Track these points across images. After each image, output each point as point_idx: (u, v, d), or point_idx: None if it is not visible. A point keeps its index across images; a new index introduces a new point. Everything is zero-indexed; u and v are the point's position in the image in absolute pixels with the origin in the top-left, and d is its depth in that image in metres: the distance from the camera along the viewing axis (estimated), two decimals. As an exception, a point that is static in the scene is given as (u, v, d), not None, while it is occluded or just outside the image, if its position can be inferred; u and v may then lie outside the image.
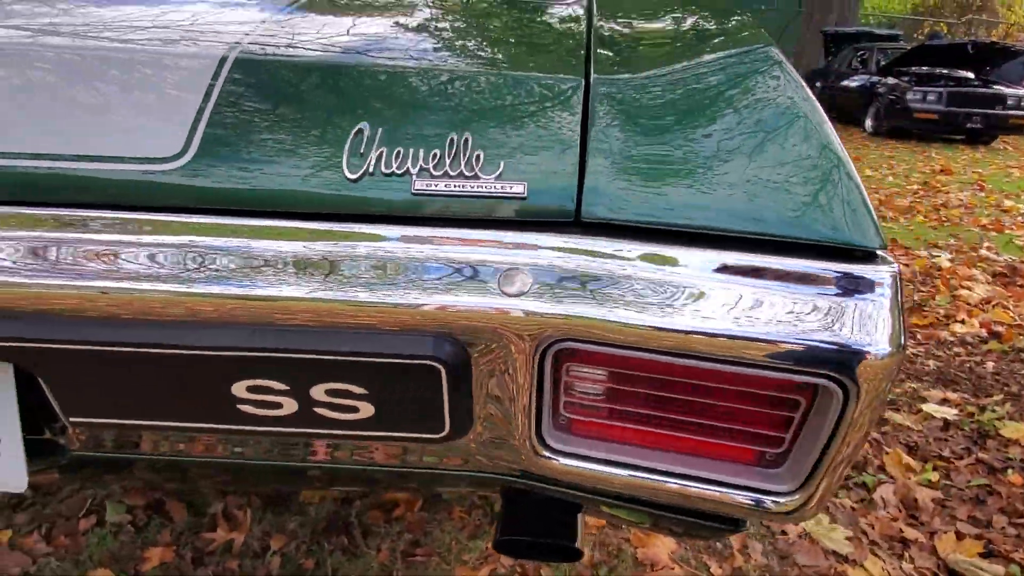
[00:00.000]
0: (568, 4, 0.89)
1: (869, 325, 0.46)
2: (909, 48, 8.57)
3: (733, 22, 0.67)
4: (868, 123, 8.39)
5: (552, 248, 0.51)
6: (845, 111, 9.01)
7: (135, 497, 1.35)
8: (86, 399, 0.58)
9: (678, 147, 0.53)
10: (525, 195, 0.52)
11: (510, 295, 0.50)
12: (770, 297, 0.48)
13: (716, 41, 0.64)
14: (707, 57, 0.61)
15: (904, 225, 3.88)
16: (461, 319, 0.51)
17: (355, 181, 0.52)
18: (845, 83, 9.22)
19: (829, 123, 0.54)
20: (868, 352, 0.46)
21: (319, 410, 0.56)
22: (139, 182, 0.53)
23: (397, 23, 0.68)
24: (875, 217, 0.49)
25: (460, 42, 0.65)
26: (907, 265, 3.10)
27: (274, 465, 0.65)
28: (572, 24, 0.74)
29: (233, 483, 0.96)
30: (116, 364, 0.54)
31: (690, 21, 0.70)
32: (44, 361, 0.55)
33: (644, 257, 0.50)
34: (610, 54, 0.64)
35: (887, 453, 1.64)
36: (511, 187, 0.52)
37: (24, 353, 0.55)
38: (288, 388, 0.55)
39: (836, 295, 0.47)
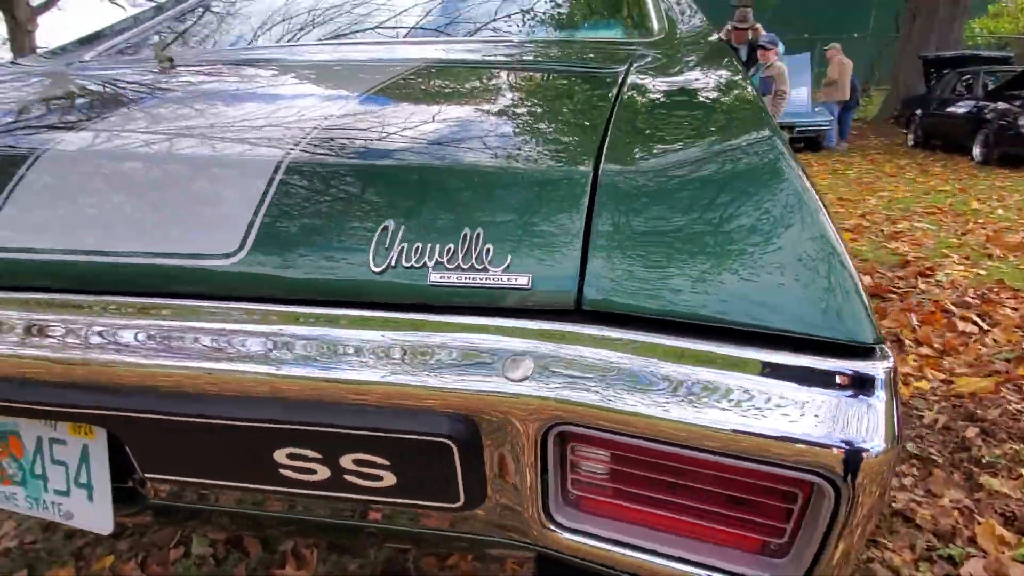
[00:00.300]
0: (602, 77, 0.94)
1: (858, 423, 0.46)
2: (1021, 70, 7.94)
3: (746, 110, 0.69)
4: (976, 151, 7.82)
5: (553, 336, 0.55)
6: (950, 139, 8.48)
7: (217, 532, 1.47)
8: (158, 459, 0.67)
9: (677, 240, 0.56)
10: (529, 286, 0.56)
11: (514, 380, 0.54)
12: (762, 391, 0.49)
13: (724, 133, 0.66)
14: (714, 148, 0.63)
15: (1014, 264, 3.57)
16: (470, 401, 0.55)
17: (379, 273, 0.59)
18: (950, 110, 8.69)
19: (825, 212, 0.55)
20: (855, 450, 0.46)
21: (348, 477, 0.62)
22: (202, 276, 0.62)
23: (427, 120, 0.75)
24: (870, 311, 0.50)
25: (482, 137, 0.71)
26: (1015, 310, 2.85)
27: (312, 520, 0.71)
28: (596, 106, 0.79)
29: (285, 532, 1.03)
30: (182, 432, 0.63)
31: (705, 107, 0.73)
32: (127, 428, 0.65)
33: (638, 347, 0.53)
34: (625, 142, 0.67)
35: (979, 523, 1.50)
36: (516, 279, 0.56)
37: (113, 420, 0.65)
38: (320, 456, 0.61)
39: (827, 391, 0.48)
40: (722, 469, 0.52)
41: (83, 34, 1.87)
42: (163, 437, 0.64)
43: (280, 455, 0.62)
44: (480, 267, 0.57)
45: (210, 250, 0.62)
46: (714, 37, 1.20)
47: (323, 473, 0.62)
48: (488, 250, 0.58)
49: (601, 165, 0.62)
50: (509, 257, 0.57)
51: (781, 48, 5.42)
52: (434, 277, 0.58)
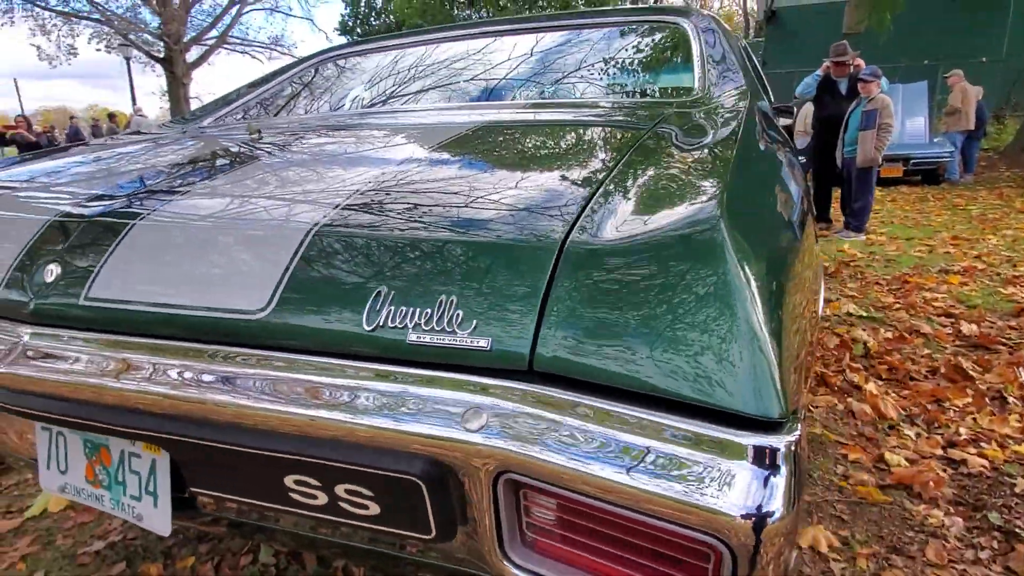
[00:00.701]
0: (615, 142, 1.02)
1: (755, 492, 0.50)
2: None
3: (720, 185, 0.74)
4: None
5: (505, 393, 0.63)
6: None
7: (280, 544, 1.63)
8: (199, 476, 0.81)
9: (618, 314, 0.62)
10: (488, 348, 0.65)
11: (471, 430, 0.63)
12: (676, 457, 0.54)
13: (681, 210, 0.71)
14: (667, 227, 0.68)
15: None
16: (434, 446, 0.64)
17: (371, 331, 0.70)
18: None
19: (756, 297, 0.59)
20: (750, 518, 0.50)
21: (342, 504, 0.72)
22: (236, 327, 0.76)
23: (431, 193, 0.86)
24: (780, 388, 0.54)
25: (474, 208, 0.80)
26: None
27: (317, 539, 0.82)
28: (590, 175, 0.87)
29: (294, 545, 1.15)
30: (214, 455, 0.76)
31: (685, 182, 0.78)
32: (176, 448, 0.80)
33: (575, 406, 0.60)
34: (601, 214, 0.74)
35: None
36: (478, 341, 0.65)
37: (168, 442, 0.80)
38: (319, 484, 0.72)
39: (731, 461, 0.52)
40: (646, 526, 0.57)
41: (219, 95, 2.20)
42: (201, 458, 0.78)
43: (289, 480, 0.74)
44: (450, 330, 0.66)
45: (243, 306, 0.76)
46: (745, 102, 1.23)
47: (322, 499, 0.73)
48: (458, 315, 0.67)
49: (570, 237, 0.70)
50: (474, 322, 0.66)
51: (884, 82, 5.14)
52: (412, 337, 0.68)
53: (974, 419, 2.24)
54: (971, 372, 2.58)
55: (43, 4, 19.23)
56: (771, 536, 0.50)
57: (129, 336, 0.83)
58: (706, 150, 0.88)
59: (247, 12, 22.09)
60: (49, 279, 0.90)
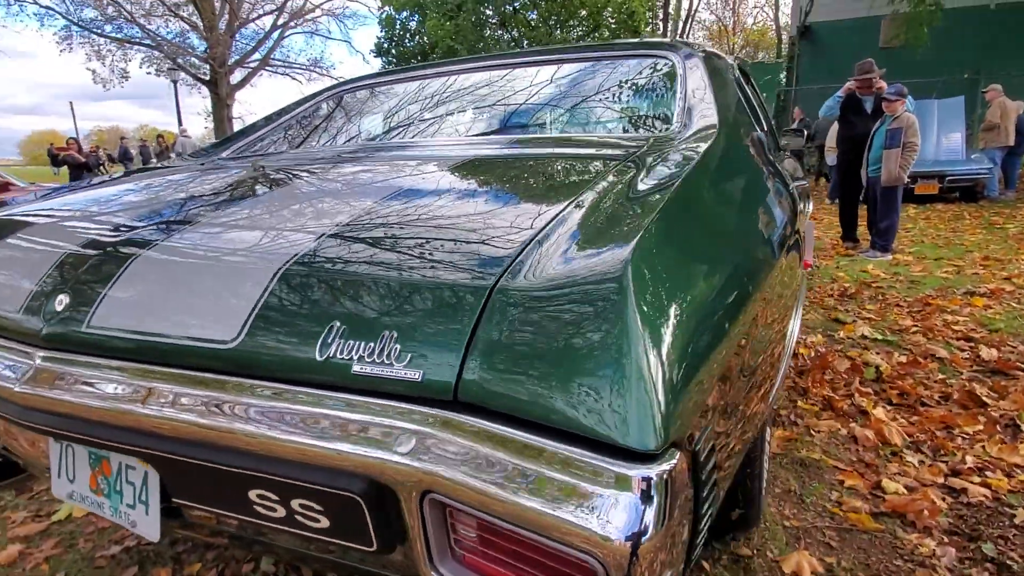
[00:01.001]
0: (576, 181, 1.09)
1: (621, 516, 0.56)
2: None
3: (616, 245, 0.79)
4: None
5: (431, 420, 0.70)
6: None
7: (282, 553, 1.72)
8: (178, 488, 0.90)
9: (527, 353, 0.68)
10: (420, 379, 0.72)
11: (400, 454, 0.70)
12: (560, 481, 0.60)
13: (588, 263, 0.77)
14: (579, 269, 0.74)
15: None
16: (370, 467, 0.71)
17: (322, 362, 0.78)
18: None
19: (649, 339, 0.65)
20: (620, 540, 0.56)
21: (297, 516, 0.80)
22: (210, 355, 0.85)
23: (391, 235, 0.94)
24: (661, 423, 0.59)
25: (417, 252, 0.87)
26: None
27: (287, 548, 0.90)
28: (523, 226, 0.93)
29: (264, 553, 1.22)
30: (189, 469, 0.85)
31: (617, 224, 0.84)
32: (157, 462, 0.89)
33: (486, 434, 0.66)
34: (524, 265, 0.78)
35: (1045, 645, 1.34)
36: (412, 373, 0.72)
37: (150, 456, 0.89)
38: (277, 499, 0.80)
39: (606, 489, 0.58)
40: (545, 546, 0.63)
41: (259, 115, 2.34)
42: (179, 472, 0.87)
43: (253, 494, 0.82)
44: (388, 363, 0.74)
45: (216, 336, 0.85)
46: (707, 143, 1.28)
47: (281, 512, 0.81)
48: (396, 349, 0.74)
49: (500, 281, 0.77)
50: (409, 356, 0.73)
51: (910, 101, 5.07)
52: (356, 368, 0.76)
53: (983, 447, 2.20)
54: (985, 398, 2.53)
55: (99, 31, 20.31)
56: (641, 557, 0.55)
57: (123, 361, 0.93)
58: (648, 194, 0.94)
59: (288, 36, 22.94)
60: (59, 308, 1.01)
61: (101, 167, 13.67)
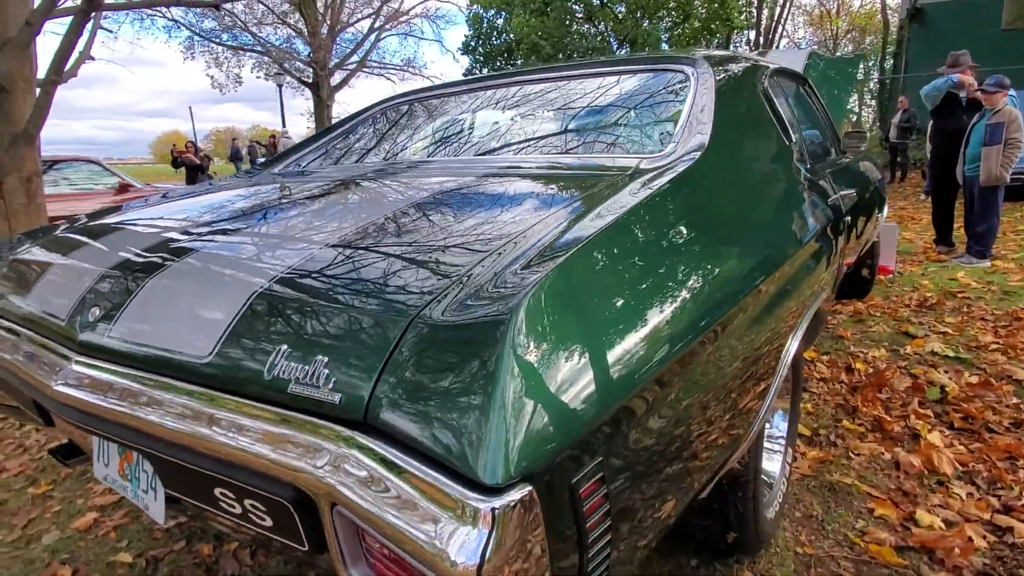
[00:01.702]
0: (552, 208, 1.13)
1: (456, 541, 0.62)
2: None
3: (522, 282, 0.82)
4: None
5: (342, 440, 0.78)
6: None
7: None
8: (167, 480, 1.04)
9: (417, 385, 0.74)
10: (338, 402, 0.80)
11: (316, 467, 0.79)
12: (425, 508, 0.67)
13: (492, 298, 0.81)
14: (472, 315, 0.79)
15: None
16: (297, 478, 0.81)
17: (269, 381, 0.88)
18: None
19: (518, 381, 0.69)
20: (449, 562, 0.62)
21: (250, 514, 0.91)
22: (190, 369, 0.98)
23: (341, 266, 1.03)
24: (512, 459, 0.64)
25: (359, 284, 0.95)
26: None
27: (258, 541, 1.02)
28: (465, 257, 0.99)
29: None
30: (170, 464, 0.98)
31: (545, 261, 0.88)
32: (151, 459, 1.03)
33: (379, 458, 0.74)
34: (445, 299, 0.84)
35: None
36: (335, 396, 0.81)
37: (147, 454, 1.03)
38: (233, 497, 0.91)
39: (454, 516, 0.64)
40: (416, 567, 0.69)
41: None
42: (164, 467, 1.01)
43: (216, 491, 0.94)
44: (316, 384, 0.83)
45: (193, 351, 0.98)
46: (683, 167, 1.28)
47: (238, 508, 0.93)
48: (324, 373, 0.83)
49: (418, 315, 0.84)
50: (335, 380, 0.82)
51: (1013, 94, 4.59)
52: (292, 388, 0.85)
53: (1048, 483, 2.02)
54: (1063, 429, 2.31)
55: (217, 40, 22.06)
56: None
57: (131, 369, 1.08)
58: (576, 235, 0.96)
59: (384, 38, 23.88)
60: (91, 319, 1.19)
61: (209, 169, 14.92)
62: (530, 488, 0.65)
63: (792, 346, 1.43)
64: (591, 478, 0.75)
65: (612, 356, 0.81)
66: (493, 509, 0.63)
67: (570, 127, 1.73)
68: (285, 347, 0.90)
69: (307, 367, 0.85)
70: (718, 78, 1.68)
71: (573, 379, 0.74)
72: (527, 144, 1.74)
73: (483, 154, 1.78)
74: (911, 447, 2.25)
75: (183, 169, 14.09)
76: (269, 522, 0.89)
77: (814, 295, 1.61)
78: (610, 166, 1.39)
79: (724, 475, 1.39)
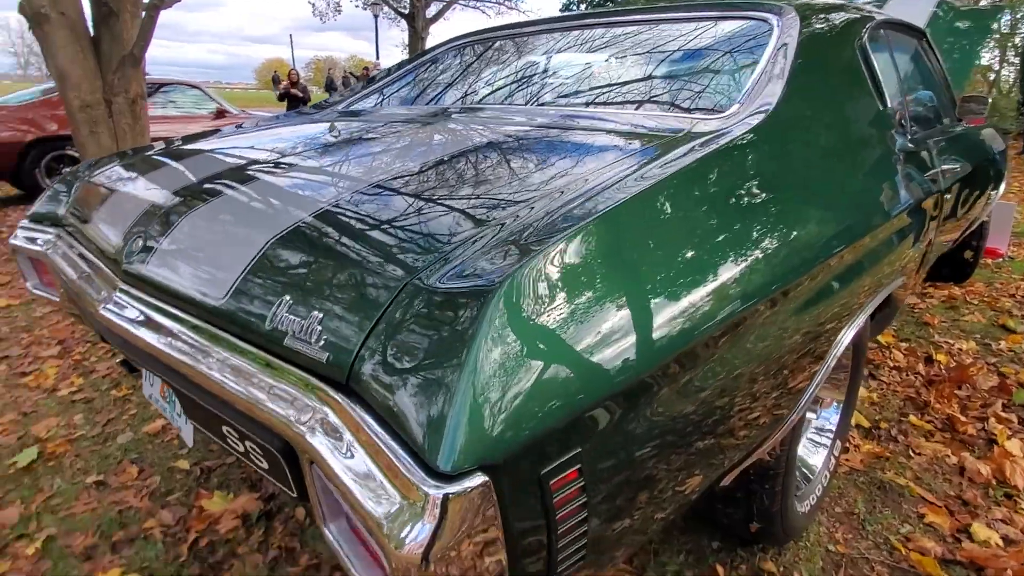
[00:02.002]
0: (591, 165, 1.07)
1: (405, 523, 0.61)
2: None
3: (519, 253, 0.78)
4: None
5: (326, 399, 0.79)
6: None
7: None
8: (187, 410, 1.10)
9: (395, 353, 0.72)
10: (325, 361, 0.80)
11: (301, 423, 0.80)
12: (376, 479, 0.66)
13: (485, 269, 0.76)
14: (461, 287, 0.75)
15: None
16: (284, 429, 0.82)
17: (269, 332, 0.89)
18: None
19: (479, 371, 0.65)
20: (396, 541, 0.61)
21: (250, 455, 0.95)
22: (205, 308, 1.01)
23: (356, 221, 1.01)
24: (463, 447, 0.61)
25: (367, 239, 0.93)
26: None
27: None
28: (475, 221, 0.94)
29: None
30: (189, 398, 1.03)
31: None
32: (174, 389, 1.09)
33: (354, 422, 0.73)
34: (443, 265, 0.81)
35: None
36: (323, 354, 0.81)
37: (170, 384, 1.09)
38: (237, 436, 0.95)
39: (408, 497, 0.63)
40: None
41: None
42: (184, 399, 1.06)
43: (224, 429, 0.98)
44: (308, 341, 0.83)
45: (212, 292, 1.01)
46: (762, 125, 1.15)
47: (241, 448, 0.97)
48: (316, 330, 0.83)
49: (411, 280, 0.81)
50: (325, 339, 0.82)
51: None
52: (287, 341, 0.86)
53: None
54: None
55: (319, -32, 22.23)
56: (405, 560, 0.61)
57: (159, 302, 1.13)
58: (593, 205, 0.89)
59: (482, -32, 23.24)
60: (135, 249, 1.25)
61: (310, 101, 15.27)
62: (485, 478, 0.63)
63: (847, 335, 1.30)
64: (565, 469, 0.71)
65: (608, 342, 0.75)
66: (445, 496, 0.61)
67: (627, 78, 1.61)
68: (287, 298, 0.90)
69: (303, 321, 0.86)
70: (804, 31, 1.49)
71: (557, 367, 0.70)
72: (581, 94, 1.64)
73: (536, 103, 1.69)
74: (982, 453, 2.06)
75: (286, 99, 14.52)
76: (265, 465, 0.93)
77: (885, 281, 1.45)
78: (659, 127, 1.28)
79: (751, 465, 1.32)
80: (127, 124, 5.11)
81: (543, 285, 0.74)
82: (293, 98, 14.02)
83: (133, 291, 1.21)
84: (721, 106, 1.35)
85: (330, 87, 19.20)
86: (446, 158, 1.28)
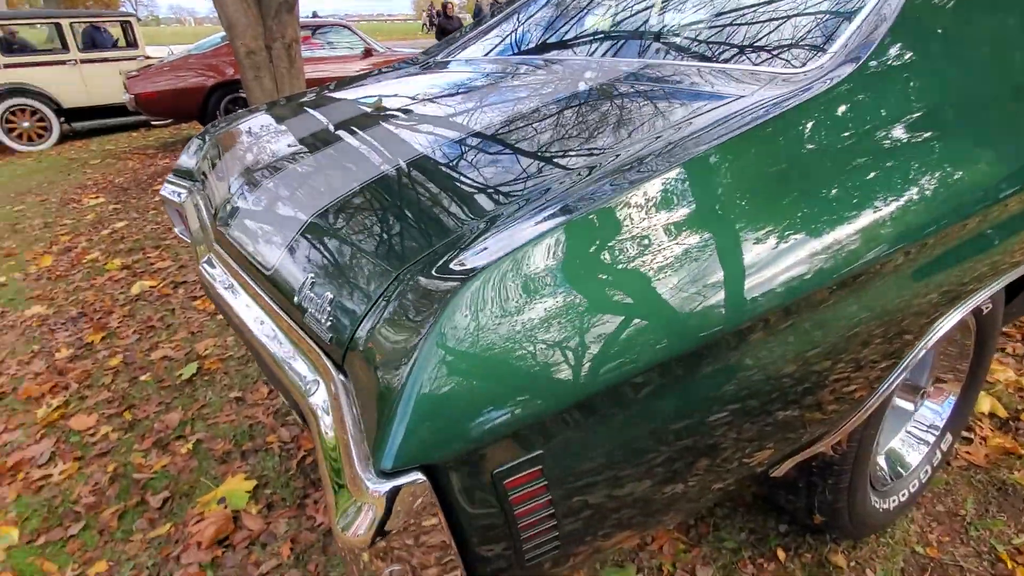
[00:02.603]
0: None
1: (348, 512, 0.68)
2: None
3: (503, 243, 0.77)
4: None
5: (328, 376, 0.86)
6: None
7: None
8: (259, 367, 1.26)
9: (373, 344, 0.77)
10: (328, 340, 0.88)
11: (308, 395, 0.89)
12: (336, 455, 0.73)
13: (465, 262, 0.76)
14: (441, 278, 0.76)
15: None
16: (298, 396, 0.92)
17: (297, 304, 0.99)
18: None
19: (429, 371, 0.66)
20: (340, 523, 0.68)
21: (292, 411, 1.08)
22: (263, 274, 1.12)
23: (374, 204, 1.05)
24: (399, 448, 0.65)
25: (380, 223, 0.96)
26: None
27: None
28: (494, 201, 0.93)
29: None
30: (250, 353, 1.18)
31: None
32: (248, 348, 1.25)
33: (334, 401, 0.80)
34: (445, 250, 0.82)
35: None
36: (327, 333, 0.88)
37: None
38: (280, 394, 1.08)
39: (353, 487, 0.69)
40: None
41: None
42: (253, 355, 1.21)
43: (273, 386, 1.12)
44: (322, 319, 0.91)
45: (267, 263, 1.12)
46: (843, 84, 0.98)
47: (288, 404, 1.10)
48: (327, 309, 0.90)
49: (407, 267, 0.84)
50: (332, 318, 0.89)
51: None
52: (307, 316, 0.94)
53: None
54: None
55: None
56: (349, 543, 0.66)
57: (237, 265, 1.28)
58: (602, 188, 0.84)
59: None
60: (228, 208, 1.40)
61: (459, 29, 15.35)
62: (422, 477, 0.66)
63: (944, 325, 1.10)
64: (523, 470, 0.72)
65: (587, 343, 0.71)
66: (383, 492, 0.65)
67: (697, 26, 1.44)
68: (312, 274, 0.98)
69: (319, 299, 0.93)
70: None
71: (514, 372, 0.69)
72: (652, 43, 1.50)
73: (610, 54, 1.58)
74: None
75: (434, 30, 14.80)
76: (302, 423, 1.05)
77: (1003, 267, 1.19)
78: (723, 89, 1.14)
79: (813, 457, 1.23)
80: (284, 68, 5.56)
81: (514, 285, 0.72)
82: (442, 28, 14.22)
83: (221, 251, 1.37)
84: (809, 60, 1.16)
85: (478, 14, 19.13)
86: (487, 128, 1.25)
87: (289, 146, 1.48)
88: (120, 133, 8.75)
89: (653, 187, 0.83)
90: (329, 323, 0.89)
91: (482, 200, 0.95)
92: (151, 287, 3.50)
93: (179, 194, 1.98)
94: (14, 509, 1.91)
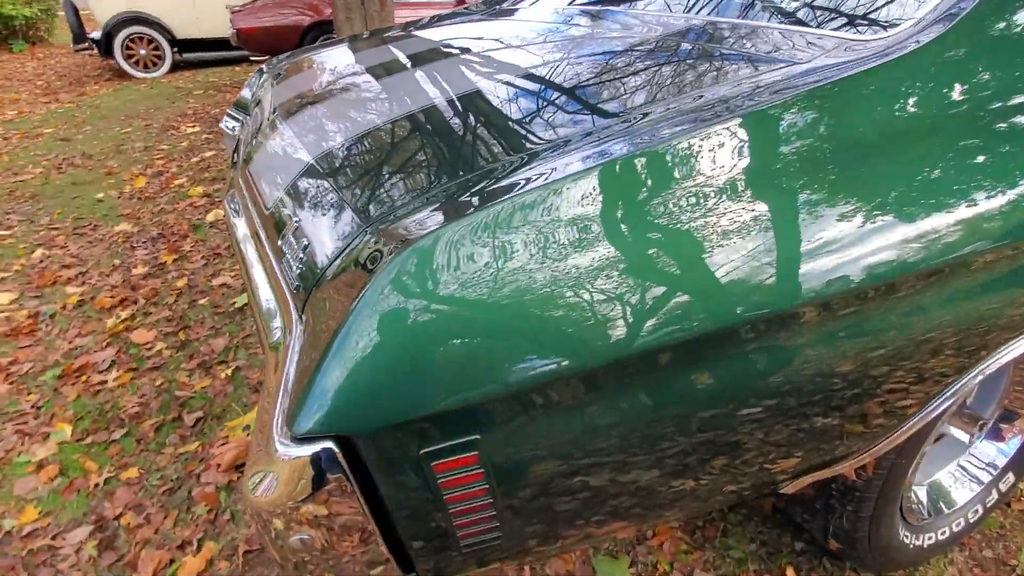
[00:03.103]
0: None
1: (260, 466, 0.64)
2: None
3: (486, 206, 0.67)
4: None
5: (288, 323, 0.84)
6: None
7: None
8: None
9: (322, 311, 0.73)
10: (295, 291, 0.85)
11: (274, 334, 0.87)
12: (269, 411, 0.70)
13: (424, 225, 0.69)
14: (395, 246, 0.69)
15: None
16: (265, 336, 0.90)
17: (280, 248, 0.96)
18: None
19: (351, 337, 0.62)
20: (247, 488, 0.65)
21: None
22: (262, 219, 1.11)
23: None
24: (317, 414, 0.61)
25: (368, 176, 0.90)
26: None
27: None
28: (487, 156, 0.86)
29: None
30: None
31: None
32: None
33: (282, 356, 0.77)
34: (412, 216, 0.76)
35: None
36: (294, 285, 0.85)
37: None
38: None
39: (268, 443, 0.66)
40: None
41: None
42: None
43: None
44: (293, 264, 0.88)
45: (267, 205, 1.11)
46: (918, 55, 0.82)
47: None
48: (300, 258, 0.87)
49: (370, 226, 0.79)
50: (300, 270, 0.85)
51: None
52: (283, 262, 0.92)
53: None
54: None
55: None
56: (254, 504, 0.64)
57: (246, 196, 1.27)
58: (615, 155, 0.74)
59: None
60: (253, 148, 1.40)
61: None
62: (331, 446, 0.62)
63: (1003, 356, 0.94)
64: (456, 453, 0.67)
65: (537, 329, 0.63)
66: (288, 457, 0.62)
67: None
68: (298, 219, 0.95)
69: (298, 248, 0.90)
70: None
71: (453, 350, 0.62)
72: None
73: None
74: None
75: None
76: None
77: None
78: (781, 57, 0.99)
79: (832, 479, 1.11)
80: (375, 11, 5.58)
81: (460, 249, 0.65)
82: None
83: (241, 187, 1.37)
84: (883, 28, 0.98)
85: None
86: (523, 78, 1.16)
87: (326, 85, 1.44)
88: (224, 67, 9.16)
89: (712, 137, 0.72)
90: (299, 271, 0.86)
91: (469, 152, 0.88)
92: (224, 216, 3.66)
93: (233, 127, 2.01)
94: (72, 408, 2.08)
